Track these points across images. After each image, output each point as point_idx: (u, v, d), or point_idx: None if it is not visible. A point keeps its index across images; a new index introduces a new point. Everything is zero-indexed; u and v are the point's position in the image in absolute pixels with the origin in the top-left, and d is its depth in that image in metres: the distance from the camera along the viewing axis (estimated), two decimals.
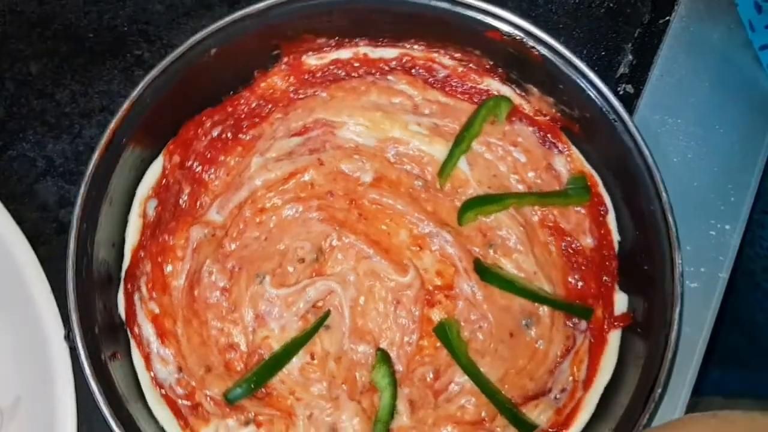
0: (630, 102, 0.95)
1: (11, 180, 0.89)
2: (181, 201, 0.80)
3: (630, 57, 0.98)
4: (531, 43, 0.82)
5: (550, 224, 0.84)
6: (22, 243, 0.80)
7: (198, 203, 0.81)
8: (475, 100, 0.88)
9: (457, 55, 0.88)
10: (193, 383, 0.74)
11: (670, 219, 0.75)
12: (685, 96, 0.96)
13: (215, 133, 0.82)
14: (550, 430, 0.76)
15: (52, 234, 0.87)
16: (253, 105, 0.84)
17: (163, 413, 0.73)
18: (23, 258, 0.80)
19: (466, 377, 0.77)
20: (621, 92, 0.96)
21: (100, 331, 0.70)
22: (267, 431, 0.74)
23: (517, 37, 0.82)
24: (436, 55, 0.88)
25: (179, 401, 0.73)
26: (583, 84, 0.81)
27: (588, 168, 0.85)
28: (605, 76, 0.95)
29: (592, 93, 0.81)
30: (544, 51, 0.82)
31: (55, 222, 0.87)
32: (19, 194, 0.88)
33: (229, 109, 0.84)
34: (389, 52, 0.88)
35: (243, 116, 0.84)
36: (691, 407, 0.85)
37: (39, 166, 0.90)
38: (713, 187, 0.93)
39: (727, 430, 0.53)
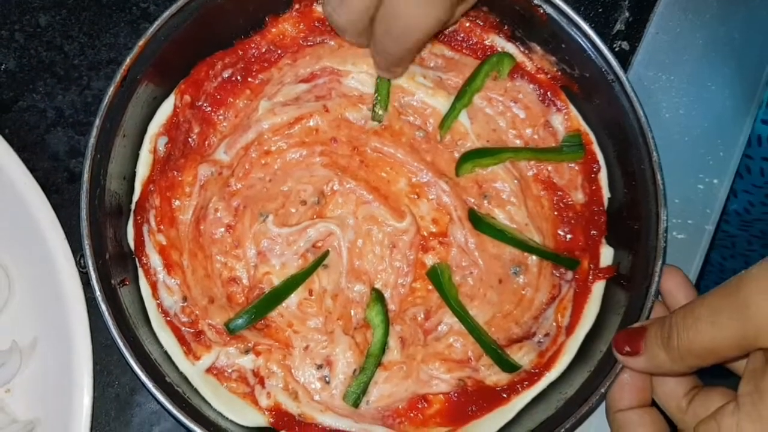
0: (625, 58, 0.99)
1: (23, 130, 0.91)
2: (190, 139, 0.83)
3: (626, 14, 1.00)
4: (537, 1, 0.83)
5: (544, 179, 0.87)
6: (36, 190, 0.83)
7: (206, 142, 0.83)
8: (480, 56, 0.90)
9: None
10: (197, 312, 0.78)
11: (659, 178, 0.78)
12: (679, 53, 0.99)
13: (225, 75, 0.85)
14: (532, 370, 0.80)
15: (63, 183, 0.90)
16: (264, 50, 0.86)
17: (167, 338, 0.77)
18: (37, 205, 0.82)
19: (455, 319, 0.81)
20: (617, 49, 0.99)
21: (110, 257, 0.73)
22: (265, 359, 0.78)
23: None
24: None
25: (183, 328, 0.77)
26: (585, 44, 0.83)
27: (584, 126, 0.88)
28: (602, 33, 0.98)
29: (593, 53, 0.83)
30: (549, 10, 0.84)
31: (66, 171, 0.90)
32: (31, 144, 0.91)
33: (240, 53, 0.86)
34: None
35: (253, 60, 0.86)
36: None
37: (49, 116, 0.92)
38: (703, 142, 0.96)
39: None
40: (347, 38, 0.79)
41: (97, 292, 0.69)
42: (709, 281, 1.39)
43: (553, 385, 0.80)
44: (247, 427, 0.76)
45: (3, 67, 0.93)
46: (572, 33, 0.84)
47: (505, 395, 0.79)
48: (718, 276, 1.41)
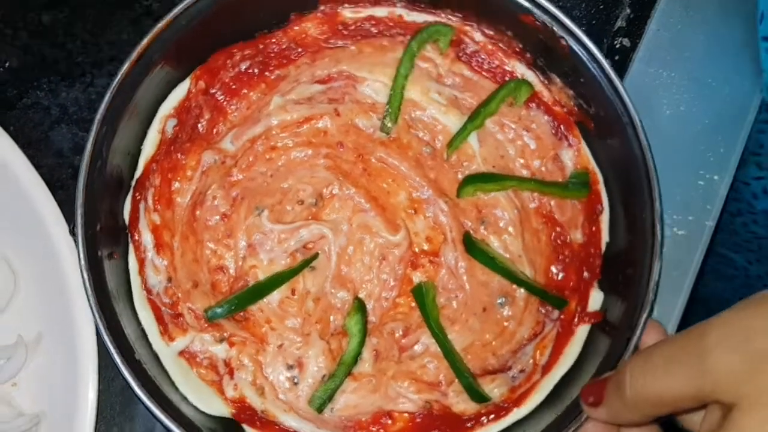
0: (626, 55, 0.98)
1: (27, 127, 0.93)
2: (199, 125, 0.84)
3: (627, 11, 1.00)
4: (561, 33, 0.83)
5: (545, 213, 0.86)
6: (41, 186, 0.84)
7: (215, 130, 0.84)
8: (498, 80, 0.89)
9: (490, 32, 0.89)
10: (179, 294, 0.79)
11: (658, 229, 0.77)
12: (680, 50, 0.98)
13: (243, 67, 0.86)
14: (501, 404, 0.80)
15: (68, 179, 0.91)
16: (284, 46, 0.87)
17: (146, 315, 0.78)
18: (42, 201, 0.83)
19: (433, 340, 0.81)
20: (618, 46, 0.99)
21: (101, 229, 0.75)
22: (238, 351, 0.79)
23: (549, 25, 0.83)
24: (469, 28, 0.89)
25: (163, 308, 0.79)
26: (604, 83, 0.82)
27: (593, 165, 0.87)
28: (603, 29, 0.99)
29: (610, 93, 0.82)
30: (572, 43, 0.83)
31: (71, 168, 0.91)
32: (35, 141, 0.92)
33: (261, 46, 0.87)
34: (424, 18, 0.89)
35: (272, 55, 0.87)
36: None
37: (53, 113, 0.94)
38: (704, 139, 0.96)
39: None
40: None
41: (81, 261, 0.71)
42: (737, 285, 1.37)
43: (518, 423, 0.79)
44: (208, 416, 0.77)
45: (7, 64, 0.95)
46: (592, 69, 0.82)
47: (469, 425, 0.79)
48: (744, 281, 1.36)
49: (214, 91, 0.85)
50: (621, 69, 0.86)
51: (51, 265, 0.82)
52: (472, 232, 0.85)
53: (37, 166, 0.85)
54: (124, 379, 0.70)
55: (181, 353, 0.78)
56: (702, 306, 1.17)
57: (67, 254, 0.82)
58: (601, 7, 1.00)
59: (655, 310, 0.74)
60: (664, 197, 0.77)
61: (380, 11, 0.89)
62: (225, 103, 0.85)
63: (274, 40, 0.87)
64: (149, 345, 0.77)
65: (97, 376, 0.80)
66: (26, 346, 0.83)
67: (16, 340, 0.83)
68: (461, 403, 0.79)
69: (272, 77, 0.87)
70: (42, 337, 0.84)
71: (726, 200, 0.93)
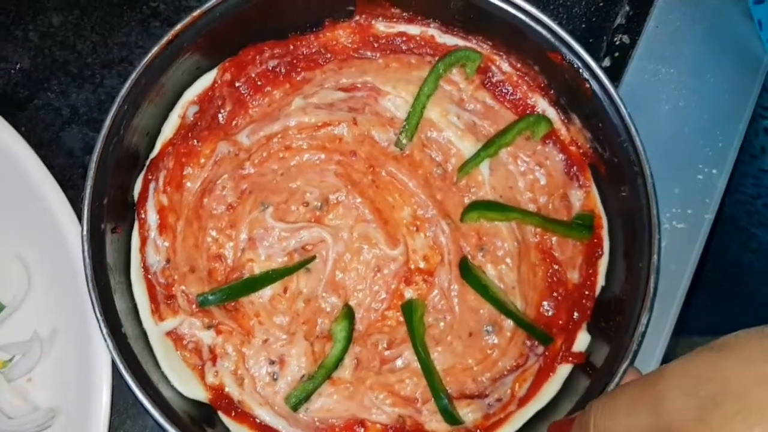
0: (625, 52, 1.00)
1: (38, 127, 0.94)
2: (219, 115, 0.86)
3: (627, 8, 1.02)
4: (586, 75, 0.83)
5: (545, 249, 0.87)
6: (53, 185, 0.86)
7: (234, 122, 0.86)
8: (519, 112, 0.90)
9: (518, 65, 0.90)
10: (175, 277, 0.81)
11: (652, 281, 0.77)
12: (679, 46, 1.01)
13: (271, 65, 0.88)
14: (473, 429, 0.80)
15: (79, 179, 0.92)
16: (314, 50, 0.89)
17: (140, 292, 0.80)
18: (54, 200, 0.85)
19: (415, 357, 0.81)
20: (617, 42, 1.01)
21: (109, 203, 0.77)
22: (224, 340, 0.80)
23: (575, 65, 0.84)
24: (497, 58, 0.90)
25: (158, 288, 0.80)
26: (620, 129, 0.83)
27: (600, 209, 0.87)
28: (602, 26, 1.01)
29: (626, 140, 0.83)
30: (595, 86, 0.83)
31: (81, 167, 0.93)
32: (47, 141, 0.94)
33: (291, 47, 0.89)
34: (455, 42, 0.90)
35: (301, 57, 0.89)
36: (672, 347, 0.92)
37: (64, 114, 0.95)
38: (702, 134, 0.98)
39: None
40: None
41: (84, 230, 0.73)
42: (761, 256, 1.37)
43: None
44: (186, 399, 0.78)
45: (18, 66, 0.96)
46: (611, 114, 0.83)
47: None
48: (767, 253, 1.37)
49: (239, 84, 0.87)
50: (620, 65, 0.88)
51: (64, 263, 0.84)
52: (470, 257, 0.86)
53: (49, 166, 0.86)
54: (108, 350, 0.71)
55: (169, 334, 0.80)
56: (729, 278, 1.16)
57: (79, 252, 0.80)
58: (601, 4, 1.03)
59: (655, 304, 0.77)
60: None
61: (413, 29, 0.90)
62: (248, 97, 0.87)
63: (305, 43, 0.89)
64: (138, 322, 0.79)
65: (111, 370, 0.81)
66: (41, 342, 0.85)
67: (31, 337, 0.85)
68: (434, 423, 0.80)
69: (298, 78, 0.89)
70: (57, 333, 0.86)
71: (730, 191, 0.96)
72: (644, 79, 0.99)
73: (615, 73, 1.00)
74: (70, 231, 0.84)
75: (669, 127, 0.97)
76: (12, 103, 0.94)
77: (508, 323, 0.84)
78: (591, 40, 1.02)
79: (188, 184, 0.84)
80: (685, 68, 1.00)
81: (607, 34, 1.01)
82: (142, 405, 0.71)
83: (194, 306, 0.81)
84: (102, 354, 0.81)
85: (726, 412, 0.49)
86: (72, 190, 0.89)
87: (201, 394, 0.79)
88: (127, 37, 0.97)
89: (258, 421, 0.79)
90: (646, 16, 1.02)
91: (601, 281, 0.85)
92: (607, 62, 1.01)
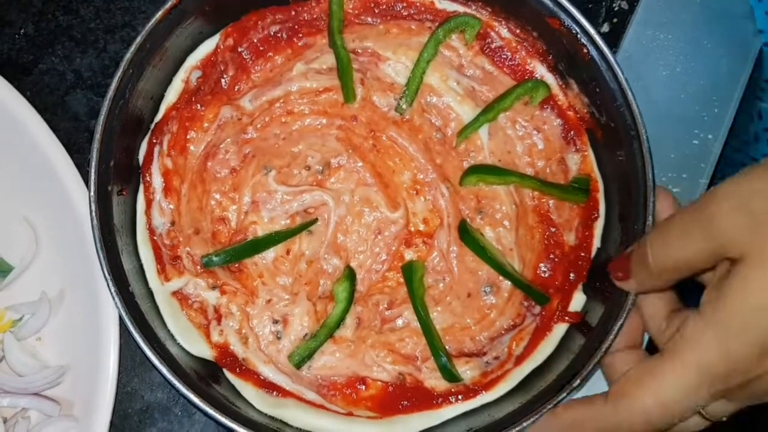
0: (624, 18, 1.03)
1: (44, 92, 0.96)
2: (222, 80, 0.88)
3: None
4: (584, 40, 0.85)
5: (543, 212, 0.89)
6: (59, 149, 0.87)
7: (236, 87, 0.88)
8: (518, 78, 0.92)
9: (517, 30, 0.91)
10: (180, 239, 0.83)
11: None
12: (677, 12, 1.03)
13: (273, 30, 0.89)
14: (471, 386, 0.83)
15: (84, 143, 0.94)
16: (315, 16, 0.90)
17: (146, 253, 0.83)
18: (61, 164, 0.87)
19: (414, 317, 0.84)
20: (616, 8, 1.03)
21: (115, 165, 0.79)
22: (228, 300, 0.82)
23: (573, 31, 0.85)
24: (496, 24, 0.92)
25: (163, 249, 0.83)
26: (617, 94, 0.84)
27: (596, 173, 0.89)
28: None
29: (622, 105, 0.84)
30: (593, 52, 0.85)
31: (87, 131, 0.95)
32: (52, 105, 0.95)
33: (293, 13, 0.90)
34: (455, 8, 0.91)
35: (303, 23, 0.90)
36: None
37: (68, 79, 0.97)
38: (699, 99, 1.01)
39: None
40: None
41: (91, 192, 0.75)
42: None
43: (484, 406, 0.82)
44: (191, 356, 0.81)
45: (22, 31, 0.97)
46: (608, 79, 0.85)
47: (437, 401, 0.82)
48: None
49: (241, 49, 0.88)
50: (619, 31, 0.90)
51: (71, 225, 0.86)
52: (468, 220, 0.87)
53: (54, 130, 0.88)
54: (116, 308, 0.73)
55: (174, 294, 0.83)
56: None
57: (86, 214, 0.83)
58: None
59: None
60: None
61: None
62: (250, 62, 0.88)
63: (306, 9, 0.90)
64: (145, 282, 0.82)
65: (119, 329, 0.84)
66: (50, 302, 0.88)
67: (39, 297, 0.88)
68: (433, 380, 0.83)
69: (299, 44, 0.90)
70: (65, 293, 0.89)
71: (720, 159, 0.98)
72: (642, 44, 1.01)
73: (613, 39, 1.02)
74: (77, 193, 0.86)
75: (666, 92, 1.00)
76: (17, 68, 0.96)
77: (506, 284, 0.86)
78: (590, 6, 1.03)
79: (192, 147, 0.85)
80: (682, 34, 1.02)
81: (606, 0, 1.02)
82: (149, 361, 0.74)
83: (199, 267, 0.83)
84: (109, 313, 0.83)
85: None
86: (77, 153, 0.90)
87: (206, 352, 0.82)
88: (130, 3, 0.99)
89: (262, 378, 0.82)
90: None
91: (596, 243, 0.87)
92: (605, 28, 1.03)
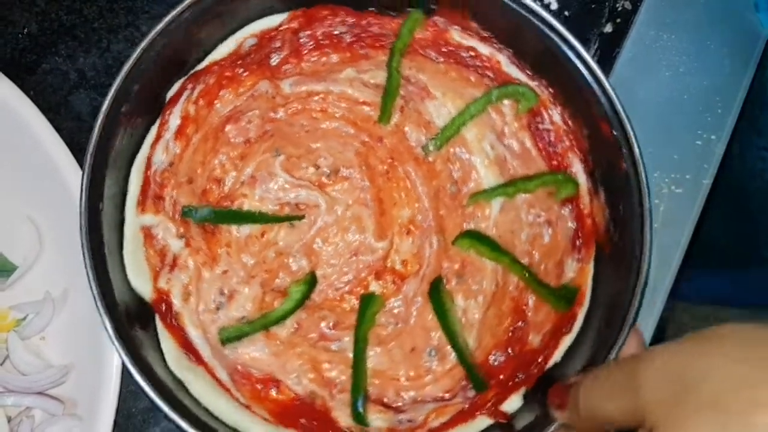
0: (627, 18, 1.02)
1: (47, 91, 0.97)
2: (273, 56, 0.90)
3: None
4: (625, 152, 0.82)
5: (520, 304, 0.87)
6: (62, 149, 0.88)
7: (283, 68, 0.90)
8: (552, 165, 0.90)
9: (569, 121, 0.90)
10: (172, 181, 0.85)
11: None
12: (680, 12, 1.02)
13: (338, 30, 0.91)
14: None
15: (87, 142, 0.91)
16: (384, 32, 0.91)
17: (135, 182, 0.85)
18: (64, 163, 0.88)
19: (351, 348, 0.82)
20: (619, 8, 1.02)
21: (138, 91, 0.81)
22: (189, 255, 0.84)
23: (619, 142, 0.82)
24: (552, 107, 0.90)
25: (152, 185, 0.85)
26: (637, 220, 0.81)
27: (588, 289, 0.86)
28: None
29: (638, 232, 0.81)
30: (630, 169, 0.82)
31: (90, 131, 0.91)
32: (55, 105, 0.96)
33: (365, 22, 0.91)
34: (519, 75, 0.90)
35: (370, 34, 0.91)
36: (667, 311, 0.96)
37: (72, 78, 0.97)
38: (702, 100, 1.00)
39: (760, 354, 0.52)
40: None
41: (103, 110, 0.78)
42: None
43: None
44: (131, 291, 0.82)
45: (26, 30, 0.98)
46: (634, 202, 0.82)
47: None
48: None
49: (302, 36, 0.90)
50: (622, 31, 0.89)
51: (75, 224, 0.84)
52: (445, 280, 0.86)
53: (58, 130, 0.89)
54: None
55: (142, 229, 0.84)
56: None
57: None
58: None
59: (651, 268, 0.79)
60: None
61: (484, 49, 0.91)
62: (306, 51, 0.90)
63: (379, 23, 0.91)
64: (121, 209, 0.84)
65: None
66: (53, 301, 0.89)
67: (43, 296, 0.89)
68: (340, 413, 0.82)
69: (359, 52, 0.91)
70: (68, 292, 0.90)
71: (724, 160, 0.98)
72: (645, 45, 1.01)
73: (616, 39, 1.02)
74: (79, 192, 0.84)
75: (669, 92, 1.00)
76: (20, 68, 0.97)
77: (453, 356, 0.84)
78: (593, 6, 1.03)
79: (218, 105, 0.88)
80: (685, 35, 1.02)
81: (609, 1, 1.03)
82: (85, 271, 0.75)
83: (177, 215, 0.84)
84: None
85: (698, 400, 0.52)
86: (81, 153, 0.89)
87: (147, 290, 0.83)
88: (133, 3, 0.99)
89: (186, 338, 0.82)
90: None
91: (557, 357, 0.84)
92: (609, 28, 1.02)
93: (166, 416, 0.74)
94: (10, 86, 0.90)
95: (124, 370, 0.82)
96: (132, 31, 0.98)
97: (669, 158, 0.80)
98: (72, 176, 0.87)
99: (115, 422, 0.83)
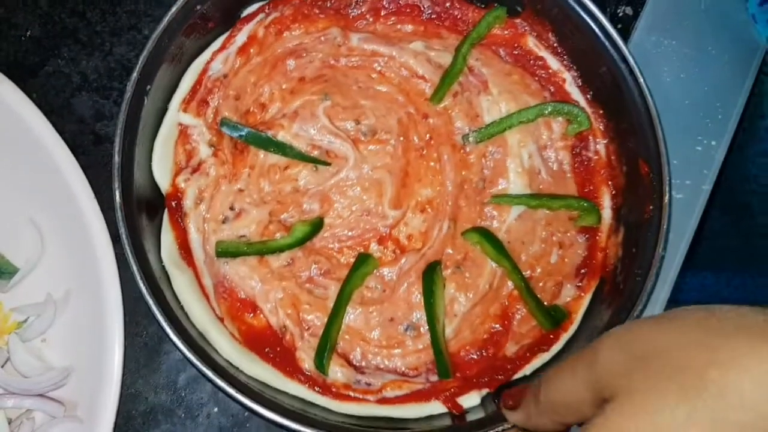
0: (628, 24, 1.03)
1: (50, 94, 0.97)
2: (351, 7, 0.93)
3: None
4: (655, 196, 0.82)
5: (508, 312, 0.87)
6: (65, 151, 0.88)
7: (358, 22, 0.93)
8: (582, 191, 0.90)
9: (612, 156, 0.91)
10: (220, 93, 0.88)
11: None
12: (681, 18, 1.03)
13: (422, 3, 0.93)
14: (331, 387, 0.82)
15: (89, 145, 0.95)
16: (463, 18, 0.95)
17: (188, 80, 0.89)
18: (66, 165, 0.88)
19: (334, 297, 0.84)
20: (620, 14, 1.03)
21: (214, 2, 0.86)
22: (213, 163, 0.87)
23: (654, 183, 0.82)
24: (600, 138, 0.91)
25: (202, 88, 0.89)
26: (641, 267, 0.82)
27: (578, 318, 0.86)
28: None
29: (642, 277, 0.81)
30: (655, 212, 0.82)
31: (92, 134, 0.96)
32: (58, 108, 0.96)
33: (448, 3, 0.94)
34: (579, 98, 0.92)
35: (450, 16, 0.95)
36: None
37: (74, 81, 0.98)
38: (702, 105, 1.01)
39: (715, 325, 0.52)
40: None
41: (171, 10, 0.82)
42: None
43: (321, 408, 0.82)
44: (151, 177, 0.86)
45: (29, 33, 0.98)
46: (647, 250, 0.82)
47: (289, 371, 0.83)
48: None
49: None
50: (623, 37, 0.88)
51: (77, 227, 0.87)
52: (442, 265, 0.86)
53: (60, 132, 0.89)
54: (125, 91, 0.80)
55: (180, 126, 0.88)
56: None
57: (92, 215, 0.86)
58: None
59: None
60: None
61: (554, 62, 0.92)
62: (385, 13, 0.93)
63: (462, 8, 0.94)
64: (166, 100, 0.88)
65: (123, 331, 0.85)
66: (55, 303, 0.89)
67: (45, 298, 0.89)
68: (304, 354, 0.83)
69: (435, 30, 0.93)
70: (70, 294, 0.90)
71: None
72: (646, 50, 1.02)
73: None
74: (82, 195, 0.87)
75: (670, 98, 1.00)
76: (23, 70, 0.97)
77: (427, 338, 0.84)
78: None
79: (287, 35, 0.91)
80: (686, 40, 1.03)
81: (610, 6, 1.04)
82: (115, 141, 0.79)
83: (215, 123, 0.87)
84: (114, 315, 0.85)
85: (652, 367, 0.52)
86: (83, 155, 0.92)
87: (165, 183, 0.87)
88: (135, 5, 1.00)
89: (187, 239, 0.86)
90: None
91: (527, 371, 0.84)
92: None
93: (144, 301, 0.77)
94: (12, 88, 0.90)
95: (125, 369, 0.85)
96: (134, 34, 0.99)
97: (669, 163, 0.81)
98: (74, 179, 0.87)
99: (115, 424, 0.84)
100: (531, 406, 0.67)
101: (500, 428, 0.76)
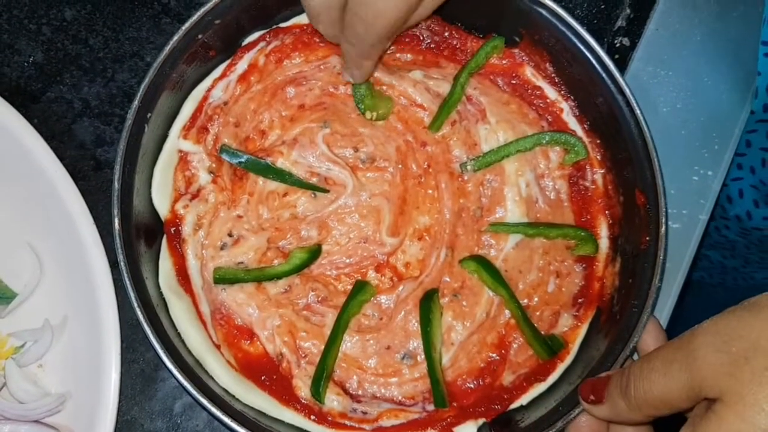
0: (625, 54, 1.05)
1: (51, 120, 0.98)
2: None
3: (628, 11, 1.06)
4: (651, 229, 0.83)
5: (505, 341, 0.88)
6: (65, 177, 0.89)
7: None
8: (579, 220, 0.91)
9: (610, 186, 0.92)
10: (221, 119, 0.90)
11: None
12: (678, 49, 1.05)
13: (421, 33, 0.95)
14: (326, 415, 0.82)
15: (90, 170, 0.96)
16: (462, 48, 0.96)
17: (189, 108, 0.90)
18: (66, 191, 0.89)
19: (331, 325, 0.84)
20: (617, 45, 1.05)
21: (219, 25, 0.87)
22: (213, 190, 0.89)
23: (650, 214, 0.83)
24: (598, 168, 0.92)
25: (202, 115, 0.90)
26: (642, 295, 0.82)
27: (574, 349, 0.87)
28: (603, 29, 1.06)
29: (639, 308, 0.82)
30: (652, 244, 0.83)
31: (93, 159, 0.97)
32: (59, 133, 0.97)
33: (447, 34, 0.96)
34: (576, 128, 0.93)
35: (449, 46, 0.96)
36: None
37: (76, 107, 0.99)
38: (699, 136, 1.03)
39: None
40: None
41: (185, 26, 0.84)
42: (714, 278, 1.51)
43: None
44: (149, 203, 0.87)
45: (31, 59, 1.00)
46: (643, 280, 0.83)
47: (286, 399, 0.83)
48: (720, 273, 1.49)
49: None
50: (620, 68, 0.90)
51: (75, 252, 0.88)
52: (440, 293, 0.87)
53: (60, 158, 0.90)
54: (131, 109, 0.82)
55: (181, 152, 0.89)
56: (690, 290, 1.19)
57: (90, 242, 0.87)
58: (602, 6, 1.06)
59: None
60: None
61: (551, 92, 0.94)
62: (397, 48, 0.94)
63: (461, 39, 0.95)
64: (167, 126, 0.89)
65: (120, 357, 0.86)
66: (52, 329, 0.89)
67: (42, 324, 0.90)
68: (301, 382, 0.84)
69: (434, 59, 0.95)
70: (67, 320, 0.91)
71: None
72: (643, 81, 1.04)
73: None
74: (82, 222, 0.88)
75: (667, 128, 1.02)
76: (25, 96, 0.99)
77: (424, 367, 0.85)
78: None
79: (287, 64, 0.92)
80: (683, 71, 1.05)
81: (607, 36, 1.06)
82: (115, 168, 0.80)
83: (215, 150, 0.88)
84: (111, 341, 0.86)
85: (755, 366, 0.54)
86: (83, 181, 0.94)
87: (164, 209, 0.88)
88: (138, 33, 1.02)
89: (185, 266, 0.87)
90: (647, 19, 1.07)
91: (523, 400, 0.85)
92: None
93: (141, 328, 0.78)
94: (14, 114, 0.91)
95: (121, 395, 0.86)
96: (137, 61, 1.00)
97: (666, 193, 0.83)
98: (74, 204, 0.88)
99: None
100: (619, 401, 0.68)
101: (572, 415, 0.77)
